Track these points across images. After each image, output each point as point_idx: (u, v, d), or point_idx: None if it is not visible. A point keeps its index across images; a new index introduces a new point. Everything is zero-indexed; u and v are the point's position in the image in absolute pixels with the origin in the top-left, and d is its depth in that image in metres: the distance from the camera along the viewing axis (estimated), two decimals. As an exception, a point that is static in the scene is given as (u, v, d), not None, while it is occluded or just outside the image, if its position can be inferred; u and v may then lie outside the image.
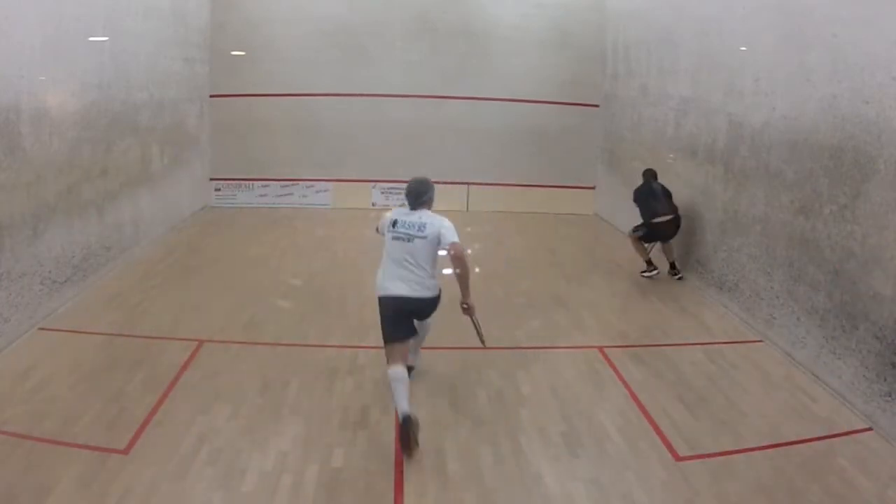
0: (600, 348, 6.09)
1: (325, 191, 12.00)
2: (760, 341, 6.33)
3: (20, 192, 5.79)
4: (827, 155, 5.51)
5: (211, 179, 11.78)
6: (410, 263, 4.77)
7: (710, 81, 7.74)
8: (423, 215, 4.90)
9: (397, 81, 11.76)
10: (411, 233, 4.81)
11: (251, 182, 11.86)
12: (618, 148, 11.14)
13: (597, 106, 11.96)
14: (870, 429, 4.76)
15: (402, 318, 4.80)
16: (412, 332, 4.90)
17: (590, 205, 12.13)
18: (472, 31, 11.87)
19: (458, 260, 4.72)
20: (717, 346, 6.23)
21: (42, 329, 6.03)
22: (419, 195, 4.95)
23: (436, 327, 5.99)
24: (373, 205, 11.94)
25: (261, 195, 11.89)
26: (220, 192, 11.86)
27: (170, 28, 9.69)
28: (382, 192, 11.88)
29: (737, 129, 7.05)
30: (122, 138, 8.04)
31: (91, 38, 7.19)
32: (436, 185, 5.05)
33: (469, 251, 9.22)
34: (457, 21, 11.85)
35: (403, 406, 4.47)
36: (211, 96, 11.57)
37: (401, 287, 4.74)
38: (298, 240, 9.96)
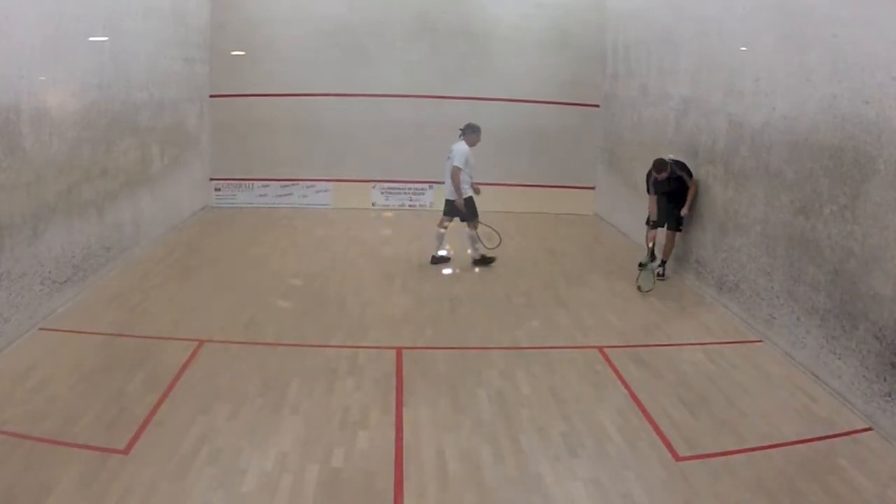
0: (600, 348, 6.09)
1: (325, 191, 11.99)
2: (760, 341, 6.33)
3: (20, 192, 5.79)
4: (827, 155, 5.51)
5: (211, 179, 11.77)
6: (447, 176, 8.34)
7: (710, 81, 7.74)
8: (456, 145, 8.31)
9: (397, 81, 11.75)
10: (448, 156, 8.34)
11: (251, 182, 11.85)
12: (618, 148, 11.13)
13: (597, 106, 11.95)
14: (870, 429, 4.76)
15: (447, 206, 8.51)
16: (451, 215, 8.44)
17: (590, 205, 12.13)
18: (472, 31, 11.86)
19: (452, 178, 8.21)
20: (717, 346, 6.23)
21: (42, 329, 6.02)
22: (461, 131, 8.38)
23: (435, 327, 6.60)
24: (373, 205, 11.95)
25: (261, 195, 11.88)
26: (220, 192, 11.85)
27: (170, 28, 9.69)
28: (382, 192, 11.89)
29: (737, 129, 7.05)
30: (122, 138, 8.03)
31: (91, 38, 7.19)
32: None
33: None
34: (457, 21, 11.84)
35: (435, 253, 8.58)
36: (211, 96, 11.56)
37: (445, 190, 8.49)
38: (298, 240, 9.96)
